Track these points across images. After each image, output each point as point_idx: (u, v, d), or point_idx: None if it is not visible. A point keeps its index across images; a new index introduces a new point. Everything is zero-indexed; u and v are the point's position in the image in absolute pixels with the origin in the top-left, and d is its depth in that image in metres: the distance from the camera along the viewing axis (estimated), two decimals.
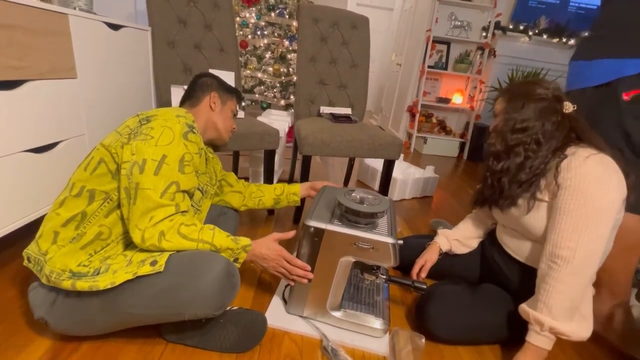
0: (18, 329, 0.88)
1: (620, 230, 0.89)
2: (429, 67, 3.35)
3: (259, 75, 2.72)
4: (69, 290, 0.76)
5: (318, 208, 0.98)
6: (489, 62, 3.38)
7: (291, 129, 2.28)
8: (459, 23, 3.33)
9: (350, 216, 0.91)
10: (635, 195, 0.84)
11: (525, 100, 0.92)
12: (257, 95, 2.76)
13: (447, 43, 3.41)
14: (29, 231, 1.03)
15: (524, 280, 1.00)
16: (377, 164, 2.18)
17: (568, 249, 0.81)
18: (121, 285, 0.74)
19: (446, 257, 1.19)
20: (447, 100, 3.50)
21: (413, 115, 3.52)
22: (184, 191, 0.84)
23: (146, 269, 0.74)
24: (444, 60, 3.44)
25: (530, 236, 0.96)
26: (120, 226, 0.85)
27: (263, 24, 2.64)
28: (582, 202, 0.80)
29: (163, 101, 1.62)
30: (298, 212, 1.67)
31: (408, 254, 1.18)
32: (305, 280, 0.95)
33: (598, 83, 1.02)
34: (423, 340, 0.92)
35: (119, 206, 0.83)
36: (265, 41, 2.66)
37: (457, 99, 3.55)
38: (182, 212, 0.83)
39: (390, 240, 0.88)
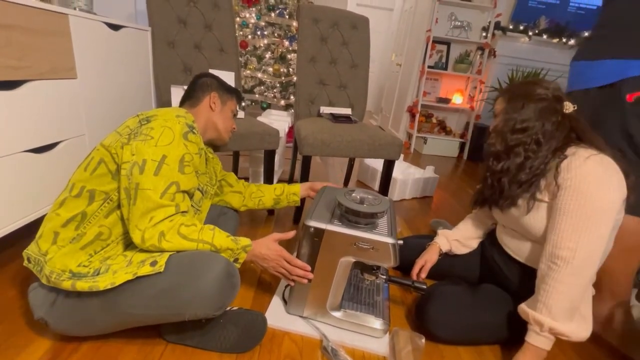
0: (18, 329, 0.88)
1: (620, 232, 0.89)
2: (429, 67, 3.35)
3: (259, 75, 2.72)
4: (69, 290, 0.76)
5: (318, 208, 0.98)
6: (489, 62, 3.38)
7: (291, 129, 2.28)
8: (459, 23, 3.33)
9: (350, 216, 0.91)
10: (635, 197, 0.84)
11: (525, 100, 0.92)
12: (257, 96, 2.76)
13: (447, 43, 3.41)
14: (29, 231, 1.03)
15: (523, 281, 1.00)
16: (377, 164, 2.18)
17: (568, 249, 0.81)
18: (121, 286, 0.74)
19: (446, 258, 1.19)
20: (447, 101, 3.50)
21: (413, 116, 3.52)
22: (184, 191, 0.84)
23: (146, 270, 0.74)
24: (444, 60, 3.44)
25: (530, 236, 0.96)
26: (120, 226, 0.85)
27: (263, 24, 2.64)
28: (582, 203, 0.80)
29: (163, 101, 1.62)
30: (298, 213, 1.67)
31: (408, 254, 1.18)
32: (305, 281, 0.95)
33: (601, 84, 1.01)
34: (423, 340, 0.92)
35: (119, 206, 0.83)
36: (265, 41, 2.67)
37: (457, 99, 3.56)
38: (182, 212, 0.83)
39: (390, 240, 0.88)
